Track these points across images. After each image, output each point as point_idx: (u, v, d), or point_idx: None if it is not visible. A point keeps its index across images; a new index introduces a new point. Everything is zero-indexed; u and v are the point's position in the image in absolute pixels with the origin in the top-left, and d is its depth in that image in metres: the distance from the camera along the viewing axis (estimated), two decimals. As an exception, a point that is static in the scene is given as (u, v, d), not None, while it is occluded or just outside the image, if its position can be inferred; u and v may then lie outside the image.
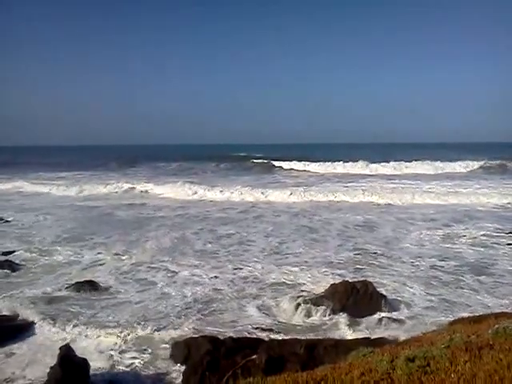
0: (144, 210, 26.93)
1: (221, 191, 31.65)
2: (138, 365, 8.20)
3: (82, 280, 12.64)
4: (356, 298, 10.39)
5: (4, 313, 10.45)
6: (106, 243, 17.78)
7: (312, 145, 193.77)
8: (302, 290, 11.68)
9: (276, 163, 60.24)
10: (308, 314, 10.29)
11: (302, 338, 8.46)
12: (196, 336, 8.76)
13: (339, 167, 53.59)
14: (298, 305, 10.61)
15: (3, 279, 13.26)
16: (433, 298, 11.10)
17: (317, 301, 10.66)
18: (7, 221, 23.00)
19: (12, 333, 9.43)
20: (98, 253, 16.19)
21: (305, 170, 54.74)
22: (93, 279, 12.78)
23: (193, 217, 24.13)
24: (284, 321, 10.04)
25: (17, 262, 14.86)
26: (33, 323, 9.95)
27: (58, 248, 16.78)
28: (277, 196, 30.11)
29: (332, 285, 11.20)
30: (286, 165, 58.64)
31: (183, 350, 8.24)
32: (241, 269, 13.85)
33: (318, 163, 56.39)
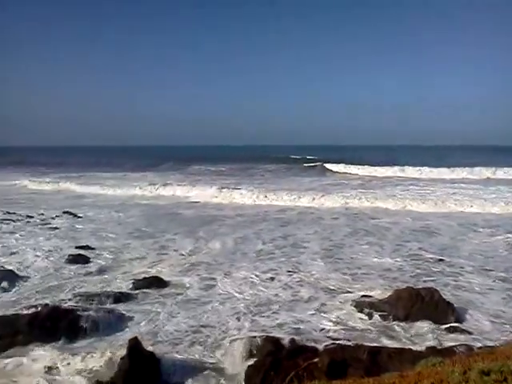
0: (207, 209, 27.71)
1: (287, 194, 31.23)
2: (199, 360, 8.41)
3: (149, 276, 13.19)
4: (421, 306, 10.08)
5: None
6: (174, 239, 18.63)
7: (350, 146, 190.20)
8: (364, 295, 11.49)
9: (328, 166, 59.52)
10: (370, 320, 10.12)
11: (365, 343, 8.34)
12: (257, 336, 8.86)
13: (388, 171, 52.05)
14: (360, 310, 10.47)
15: (78, 271, 14.10)
16: (504, 310, 10.59)
17: (379, 306, 10.46)
18: (79, 216, 24.40)
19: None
20: (165, 249, 16.87)
21: (356, 174, 53.72)
22: (159, 275, 13.29)
23: (253, 216, 24.50)
24: (345, 325, 9.93)
25: (89, 256, 15.72)
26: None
27: (130, 243, 17.72)
28: (335, 200, 29.34)
29: (395, 291, 10.95)
30: (337, 167, 57.87)
31: (244, 349, 8.36)
32: (295, 272, 13.82)
33: (374, 167, 54.80)
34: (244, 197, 31.77)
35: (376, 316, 10.16)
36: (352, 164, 57.76)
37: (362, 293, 11.75)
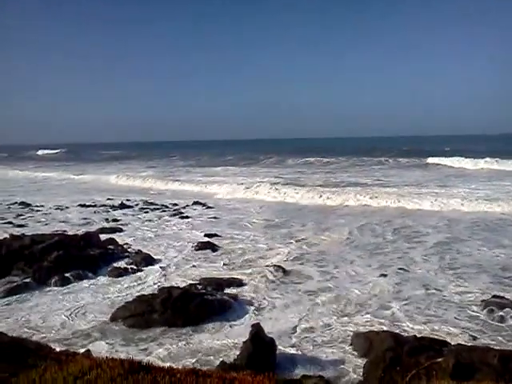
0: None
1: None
2: (317, 351, 8.52)
3: (271, 264, 13.67)
4: None
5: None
6: (302, 230, 19.10)
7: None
8: (495, 296, 10.65)
9: (430, 160, 51.99)
10: (502, 322, 9.38)
11: (496, 347, 7.77)
12: (378, 331, 8.73)
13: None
14: (491, 310, 9.75)
15: (205, 256, 15.14)
16: None
17: (514, 308, 9.65)
18: (209, 206, 25.99)
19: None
20: (289, 241, 17.25)
21: (461, 167, 46.19)
22: (281, 265, 13.68)
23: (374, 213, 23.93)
24: (473, 326, 9.33)
25: (217, 243, 16.71)
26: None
27: (257, 235, 18.43)
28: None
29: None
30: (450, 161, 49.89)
31: (364, 343, 8.29)
32: (407, 271, 13.23)
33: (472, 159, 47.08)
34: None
35: (509, 318, 9.39)
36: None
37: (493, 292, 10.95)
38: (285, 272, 13.11)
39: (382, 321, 9.63)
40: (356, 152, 69.80)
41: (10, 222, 21.26)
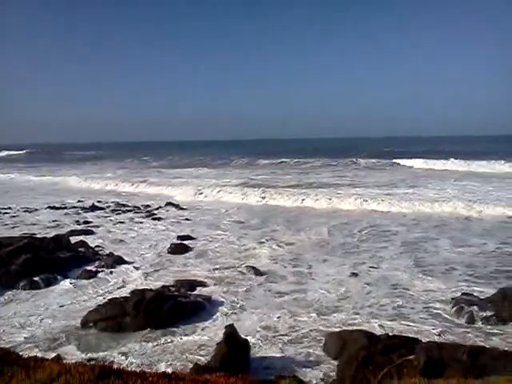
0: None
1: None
2: (291, 351, 8.53)
3: (245, 265, 13.76)
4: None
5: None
6: (275, 231, 19.22)
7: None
8: (464, 293, 10.90)
9: (400, 161, 50.79)
10: (471, 319, 9.59)
11: (466, 343, 7.93)
12: (351, 330, 8.81)
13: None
14: (461, 308, 9.96)
15: (179, 258, 15.00)
16: None
17: (482, 305, 9.88)
18: (182, 208, 25.73)
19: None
20: (265, 240, 17.35)
21: (446, 170, 44.03)
22: (253, 265, 13.70)
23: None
24: (443, 324, 9.52)
25: (190, 245, 16.64)
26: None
27: (231, 236, 18.39)
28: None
29: (500, 289, 10.28)
30: (413, 163, 49.37)
31: (337, 342, 8.35)
32: (377, 270, 13.45)
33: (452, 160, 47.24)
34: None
35: (479, 315, 9.61)
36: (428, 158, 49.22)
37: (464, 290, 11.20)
38: (258, 273, 13.11)
39: (355, 320, 9.74)
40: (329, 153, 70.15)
41: (-24, 225, 20.63)
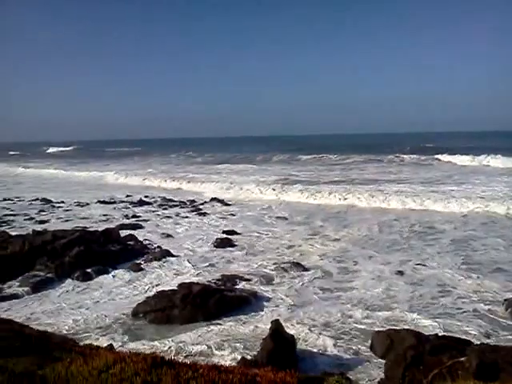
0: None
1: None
2: (337, 348, 8.48)
3: (290, 261, 13.72)
4: None
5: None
6: (321, 227, 19.09)
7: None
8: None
9: (444, 157, 48.95)
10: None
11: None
12: (398, 329, 8.65)
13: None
14: (514, 310, 9.58)
15: (224, 252, 15.17)
16: None
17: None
18: (227, 203, 25.95)
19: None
20: (310, 236, 17.25)
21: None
22: (299, 261, 13.70)
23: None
24: (494, 325, 9.20)
25: (236, 240, 16.88)
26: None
27: (276, 232, 18.41)
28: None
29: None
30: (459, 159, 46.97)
31: (384, 341, 8.21)
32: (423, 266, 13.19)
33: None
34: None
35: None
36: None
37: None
38: (304, 269, 13.09)
39: (402, 319, 9.56)
40: (367, 149, 68.66)
41: (32, 218, 21.64)
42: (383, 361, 7.69)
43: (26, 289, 11.99)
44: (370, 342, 8.50)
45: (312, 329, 9.25)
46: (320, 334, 9.02)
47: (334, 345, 8.55)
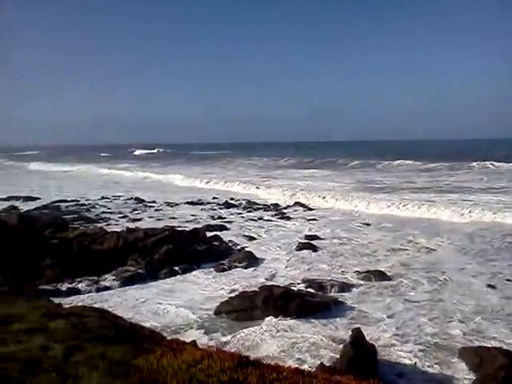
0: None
1: None
2: (421, 362, 8.18)
3: (373, 270, 13.41)
4: None
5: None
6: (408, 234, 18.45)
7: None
8: None
9: None
10: None
11: None
12: (489, 347, 8.21)
13: None
14: None
15: (306, 256, 15.30)
16: None
17: None
18: (311, 208, 25.94)
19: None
20: (397, 245, 16.82)
21: None
22: (384, 270, 13.42)
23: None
24: None
25: (318, 245, 16.80)
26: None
27: (360, 238, 18.20)
28: None
29: None
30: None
31: (473, 359, 7.84)
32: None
33: None
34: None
35: None
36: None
37: None
38: (389, 278, 12.77)
39: (492, 336, 9.03)
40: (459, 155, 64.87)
41: (126, 216, 23.09)
42: (470, 377, 7.35)
43: (117, 282, 12.85)
44: (456, 357, 8.14)
45: (395, 339, 9.03)
46: (403, 345, 8.77)
47: (418, 357, 8.28)
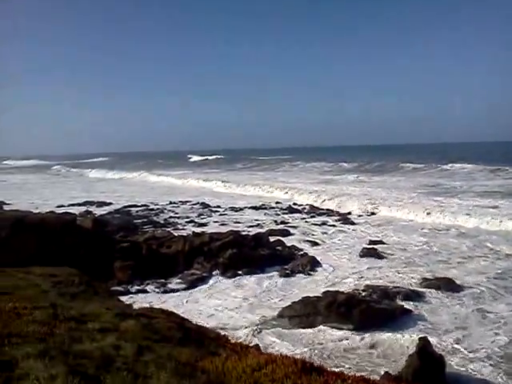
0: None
1: None
2: (492, 375, 7.79)
3: (441, 277, 12.91)
4: None
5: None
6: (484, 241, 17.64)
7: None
8: None
9: None
10: None
11: None
12: None
13: None
14: None
15: (370, 262, 15.05)
16: None
17: None
18: (373, 213, 25.43)
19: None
20: (472, 252, 16.11)
21: None
22: (456, 278, 12.88)
23: None
24: None
25: (382, 251, 16.46)
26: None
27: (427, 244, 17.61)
28: None
29: None
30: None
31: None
32: None
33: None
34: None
35: None
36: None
37: None
38: (459, 286, 12.22)
39: None
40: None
41: (193, 221, 23.71)
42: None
43: (183, 285, 13.25)
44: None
45: (465, 352, 8.65)
46: (474, 358, 8.40)
47: (492, 373, 7.89)
